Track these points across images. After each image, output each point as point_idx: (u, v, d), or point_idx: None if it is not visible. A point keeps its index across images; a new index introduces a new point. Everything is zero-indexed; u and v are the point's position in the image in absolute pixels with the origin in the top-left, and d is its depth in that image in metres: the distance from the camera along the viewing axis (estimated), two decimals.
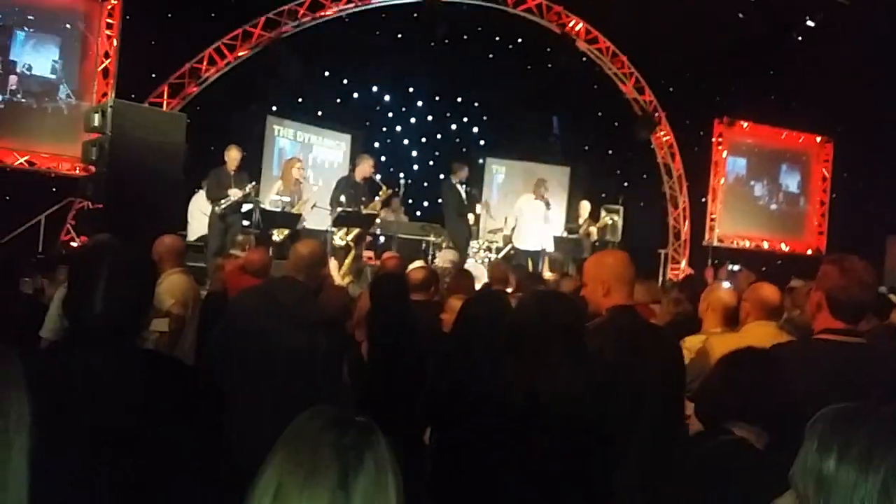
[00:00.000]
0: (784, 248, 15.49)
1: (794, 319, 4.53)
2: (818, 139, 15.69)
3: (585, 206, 11.72)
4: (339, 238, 9.30)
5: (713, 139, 14.83)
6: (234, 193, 8.73)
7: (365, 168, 9.67)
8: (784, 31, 12.54)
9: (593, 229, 11.53)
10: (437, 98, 14.40)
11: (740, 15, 12.16)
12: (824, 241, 15.53)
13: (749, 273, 8.49)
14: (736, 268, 10.74)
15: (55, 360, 1.74)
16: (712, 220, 14.75)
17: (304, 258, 3.35)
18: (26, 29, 10.12)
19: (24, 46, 10.12)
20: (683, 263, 14.10)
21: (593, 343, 2.44)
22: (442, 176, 12.45)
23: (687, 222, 14.29)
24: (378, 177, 9.94)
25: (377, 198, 9.80)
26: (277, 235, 9.32)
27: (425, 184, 13.62)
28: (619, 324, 2.59)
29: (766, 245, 15.33)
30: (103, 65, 10.41)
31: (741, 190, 15.38)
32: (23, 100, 10.09)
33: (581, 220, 11.57)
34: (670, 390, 2.64)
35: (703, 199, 14.72)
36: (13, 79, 10.03)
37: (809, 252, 15.32)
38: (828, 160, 15.68)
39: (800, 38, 12.42)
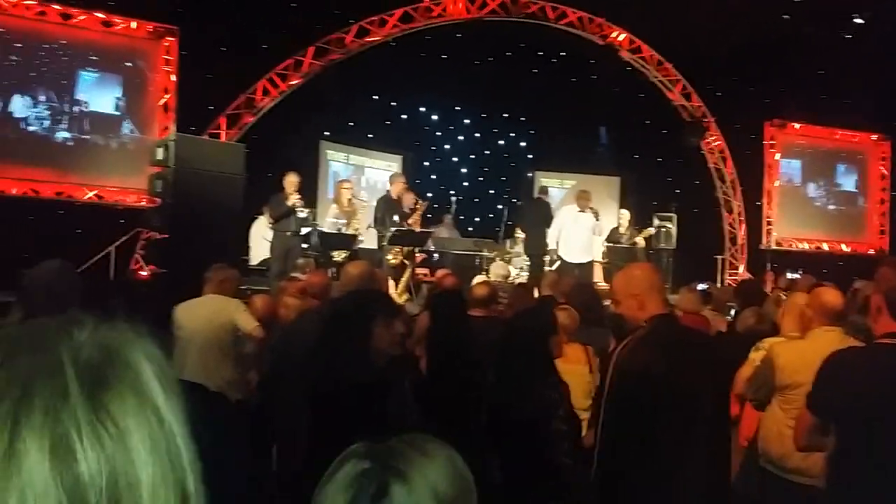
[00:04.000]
0: (845, 248, 15.12)
1: (857, 322, 4.50)
2: (874, 137, 15.31)
3: (625, 215, 11.64)
4: (392, 256, 9.49)
5: (765, 142, 14.61)
6: (294, 199, 8.78)
7: (398, 186, 9.89)
8: (831, 30, 12.33)
9: (639, 239, 11.42)
10: (483, 115, 14.57)
11: (785, 16, 12.00)
12: (887, 241, 15.10)
13: (809, 278, 8.35)
14: (796, 275, 10.46)
15: None
16: (769, 223, 14.49)
17: (354, 278, 3.52)
18: (90, 69, 10.60)
19: (89, 85, 10.60)
20: (742, 268, 13.89)
21: (640, 356, 2.53)
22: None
23: (743, 227, 14.09)
24: (410, 195, 10.10)
25: (416, 211, 9.95)
26: (339, 256, 9.56)
27: (476, 200, 13.76)
28: (659, 333, 2.64)
29: (825, 247, 14.99)
30: (163, 100, 10.82)
31: (796, 192, 15.10)
32: (89, 137, 10.57)
33: (623, 230, 11.47)
34: (720, 390, 2.71)
35: (758, 203, 14.48)
36: (80, 117, 10.54)
37: (872, 252, 14.92)
38: (885, 158, 15.27)
39: (849, 36, 12.19)
